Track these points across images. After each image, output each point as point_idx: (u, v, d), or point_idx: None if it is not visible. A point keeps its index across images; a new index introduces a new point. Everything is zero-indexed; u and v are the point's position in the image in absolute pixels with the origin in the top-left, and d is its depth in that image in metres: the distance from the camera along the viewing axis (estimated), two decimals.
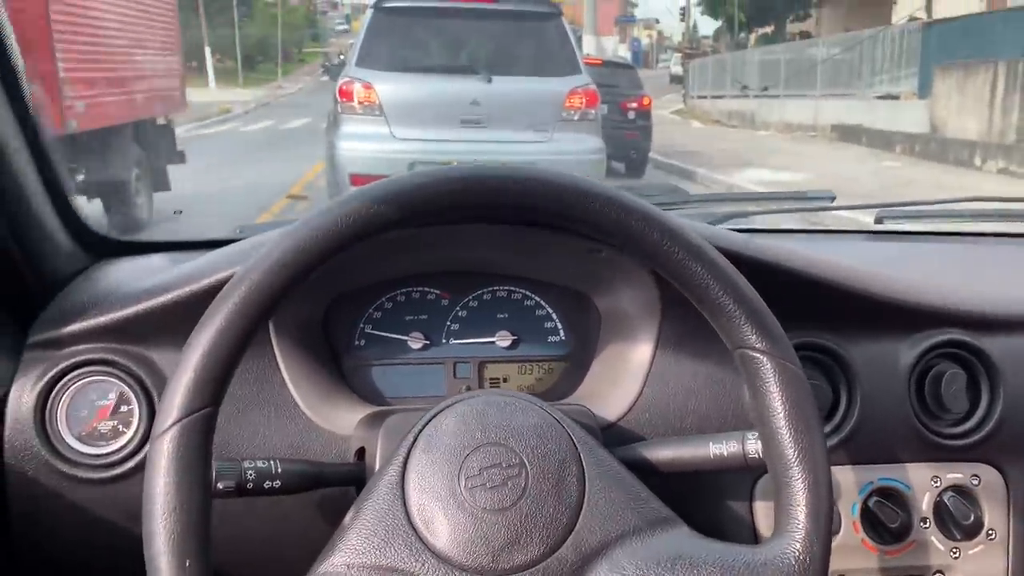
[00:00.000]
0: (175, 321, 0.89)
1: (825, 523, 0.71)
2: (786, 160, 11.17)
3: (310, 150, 11.89)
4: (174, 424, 0.66)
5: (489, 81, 5.48)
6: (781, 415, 0.73)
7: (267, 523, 0.91)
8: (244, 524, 0.91)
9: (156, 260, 1.11)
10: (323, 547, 0.77)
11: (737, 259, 0.77)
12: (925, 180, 9.53)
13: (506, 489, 0.70)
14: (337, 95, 5.60)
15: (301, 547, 0.92)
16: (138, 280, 0.97)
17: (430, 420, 0.75)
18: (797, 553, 0.70)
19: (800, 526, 0.71)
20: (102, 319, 0.92)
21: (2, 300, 0.95)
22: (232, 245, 0.98)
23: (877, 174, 9.81)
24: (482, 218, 0.91)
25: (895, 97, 14.04)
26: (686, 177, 10.32)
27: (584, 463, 0.73)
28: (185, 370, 0.67)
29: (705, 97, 21.88)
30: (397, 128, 5.33)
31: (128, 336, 0.92)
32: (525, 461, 0.72)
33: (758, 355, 0.74)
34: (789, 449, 0.72)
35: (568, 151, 5.43)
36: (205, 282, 0.89)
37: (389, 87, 5.46)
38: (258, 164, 10.38)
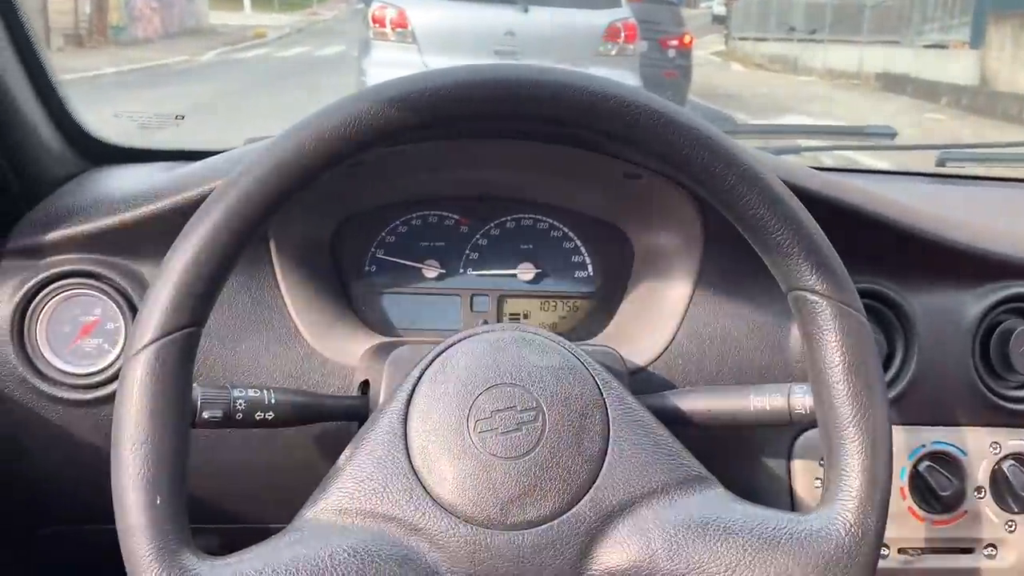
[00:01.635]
0: (166, 232, 0.80)
1: (883, 493, 0.63)
2: (826, 108, 10.84)
3: (342, 80, 11.74)
4: (149, 344, 0.58)
5: (525, 11, 5.38)
6: (840, 368, 0.64)
7: (261, 456, 0.85)
8: (235, 455, 0.84)
9: (155, 169, 1.03)
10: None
11: (796, 191, 0.67)
12: (969, 135, 9.21)
13: (520, 435, 0.63)
14: (369, 20, 5.54)
15: (297, 484, 0.85)
16: (129, 188, 0.89)
17: (439, 354, 0.67)
18: (848, 525, 0.62)
19: (853, 495, 0.62)
20: (86, 227, 0.84)
21: None
22: (227, 152, 0.89)
23: (919, 126, 9.49)
24: (509, 129, 0.82)
25: (943, 46, 13.53)
26: (722, 122, 10.09)
27: (609, 410, 0.65)
28: (164, 284, 0.59)
29: (747, 39, 21.26)
30: (428, 56, 5.20)
31: (115, 247, 0.85)
32: (543, 405, 0.64)
33: (817, 298, 0.64)
34: (846, 407, 0.63)
35: None
36: (198, 190, 0.81)
37: (422, 13, 5.39)
38: (283, 94, 10.22)
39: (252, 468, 0.86)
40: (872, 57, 14.81)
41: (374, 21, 5.50)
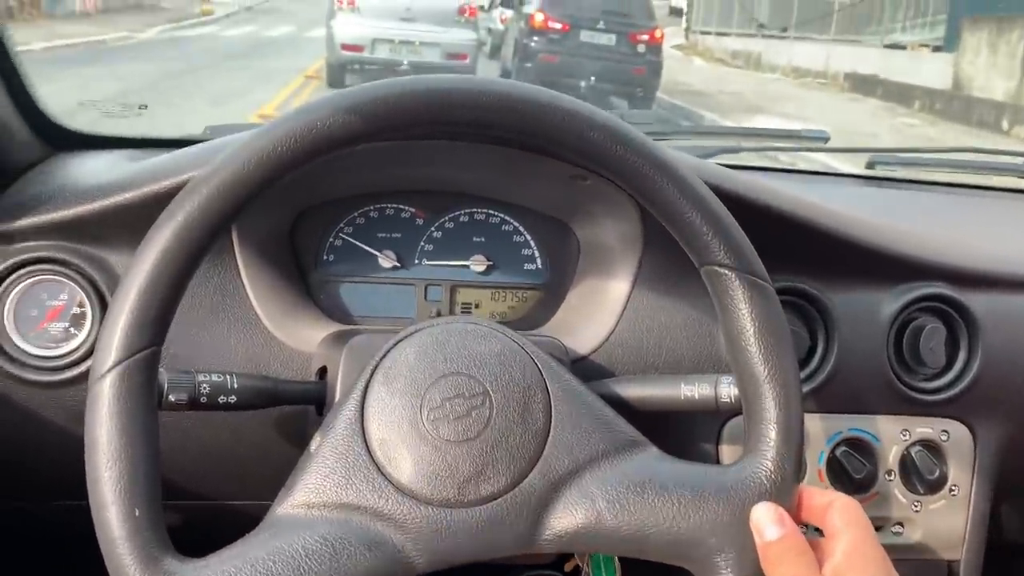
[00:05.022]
0: (131, 222, 0.88)
1: (796, 441, 0.72)
2: (797, 108, 10.88)
3: (290, 63, 11.60)
4: (114, 367, 0.64)
5: None
6: (751, 332, 0.72)
7: (222, 437, 0.92)
8: (198, 436, 0.91)
9: (119, 157, 1.10)
10: (279, 463, 0.77)
11: (720, 192, 0.76)
12: (946, 140, 9.34)
13: (470, 420, 0.70)
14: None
15: (255, 464, 0.93)
16: (97, 176, 0.96)
17: (388, 351, 0.74)
18: (768, 472, 0.71)
19: (771, 444, 0.71)
20: (55, 215, 0.90)
21: None
22: (196, 146, 0.97)
23: (896, 131, 9.64)
24: (453, 134, 0.91)
25: (902, 47, 13.69)
26: (692, 121, 9.92)
27: (550, 388, 0.73)
28: (122, 308, 0.65)
29: (709, 33, 21.46)
30: (366, 18, 9.96)
31: (82, 235, 0.91)
32: (489, 390, 0.71)
33: (726, 271, 0.73)
34: (759, 367, 0.72)
35: (456, 37, 10.18)
36: (165, 183, 0.88)
37: None
38: (224, 78, 10.16)
39: (213, 448, 0.93)
40: (839, 56, 15.05)
41: (337, 1, 10.04)
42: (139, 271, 0.65)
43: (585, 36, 10.01)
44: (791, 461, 0.72)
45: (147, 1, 20.47)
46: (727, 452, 1.01)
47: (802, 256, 1.00)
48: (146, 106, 1.22)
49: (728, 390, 0.79)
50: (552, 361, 0.76)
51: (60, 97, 1.27)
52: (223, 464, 0.95)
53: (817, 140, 1.39)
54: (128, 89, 8.14)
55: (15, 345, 0.90)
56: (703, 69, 16.68)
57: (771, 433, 0.72)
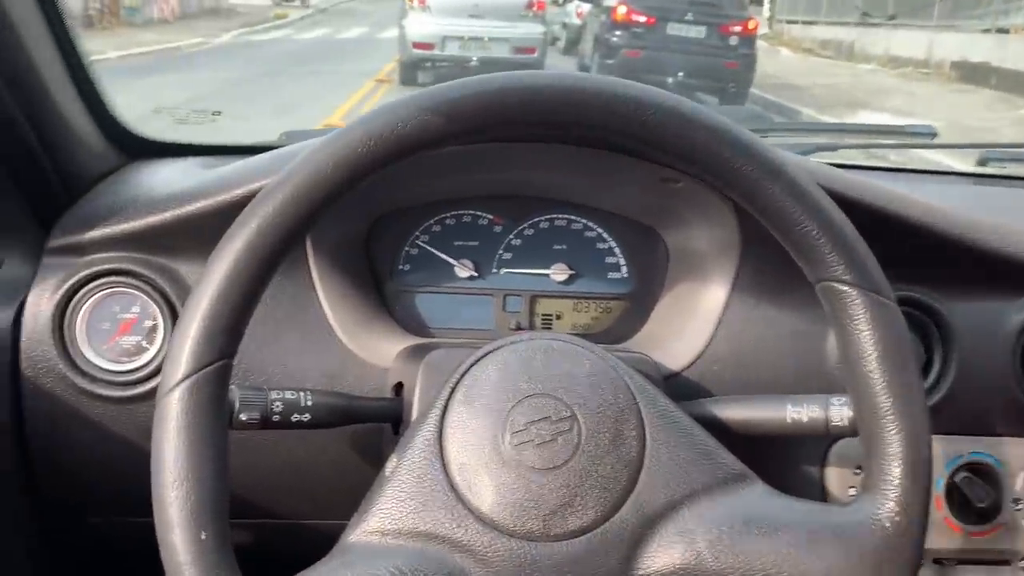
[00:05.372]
0: (203, 231, 0.88)
1: (924, 480, 0.67)
2: (904, 102, 10.27)
3: (361, 66, 11.81)
4: (182, 381, 0.62)
5: None
6: (874, 358, 0.67)
7: (295, 454, 0.92)
8: (270, 453, 0.91)
9: (192, 164, 1.11)
10: (353, 482, 0.77)
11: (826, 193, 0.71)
12: None
13: (556, 445, 0.67)
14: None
15: (328, 482, 0.93)
16: (169, 185, 0.96)
17: (469, 368, 0.72)
18: (892, 514, 0.66)
19: (895, 483, 0.66)
20: (126, 226, 0.91)
21: (24, 199, 0.95)
22: (270, 152, 0.97)
23: (1018, 124, 9.14)
24: (543, 136, 0.88)
25: (1005, 31, 13.06)
26: (788, 117, 9.48)
27: (643, 414, 0.70)
28: (194, 315, 0.63)
29: (796, 22, 20.96)
30: (436, 16, 10.29)
31: (154, 246, 0.92)
32: (577, 413, 0.68)
33: (847, 288, 0.68)
34: (883, 396, 0.67)
35: (524, 31, 10.52)
36: (237, 192, 0.88)
37: None
38: (291, 84, 10.38)
39: (284, 465, 0.93)
40: (942, 43, 14.48)
41: (408, 0, 10.55)
42: (210, 281, 0.64)
43: (672, 29, 9.65)
44: (918, 503, 0.67)
45: (223, 6, 21.12)
46: (834, 476, 0.97)
47: (916, 263, 0.95)
48: (219, 112, 1.25)
49: (840, 412, 0.74)
50: (646, 382, 0.73)
51: (134, 105, 1.29)
52: (294, 482, 0.95)
53: (923, 136, 1.32)
54: (197, 96, 8.36)
55: (87, 359, 0.91)
56: (791, 60, 16.29)
57: (895, 470, 0.67)
